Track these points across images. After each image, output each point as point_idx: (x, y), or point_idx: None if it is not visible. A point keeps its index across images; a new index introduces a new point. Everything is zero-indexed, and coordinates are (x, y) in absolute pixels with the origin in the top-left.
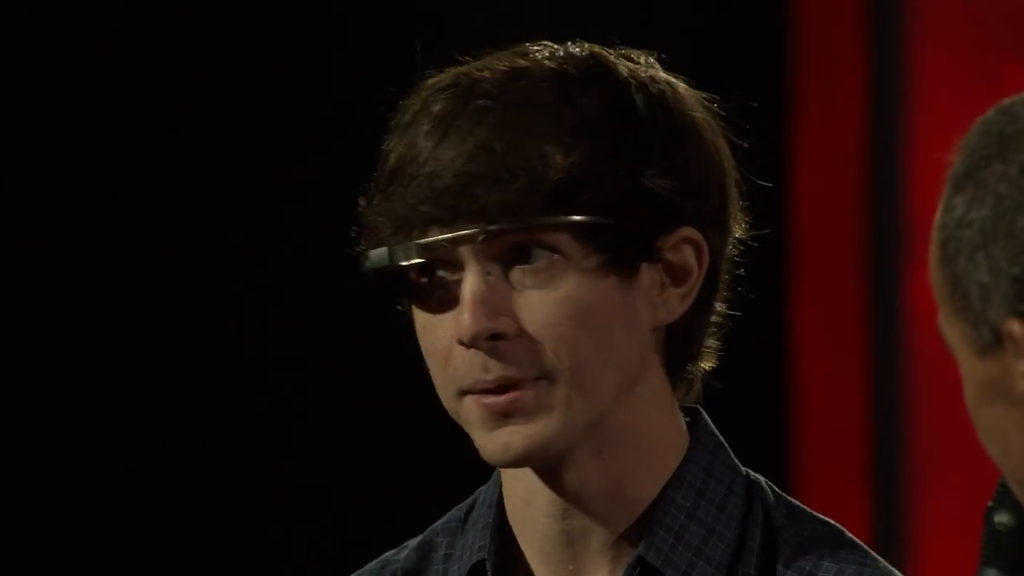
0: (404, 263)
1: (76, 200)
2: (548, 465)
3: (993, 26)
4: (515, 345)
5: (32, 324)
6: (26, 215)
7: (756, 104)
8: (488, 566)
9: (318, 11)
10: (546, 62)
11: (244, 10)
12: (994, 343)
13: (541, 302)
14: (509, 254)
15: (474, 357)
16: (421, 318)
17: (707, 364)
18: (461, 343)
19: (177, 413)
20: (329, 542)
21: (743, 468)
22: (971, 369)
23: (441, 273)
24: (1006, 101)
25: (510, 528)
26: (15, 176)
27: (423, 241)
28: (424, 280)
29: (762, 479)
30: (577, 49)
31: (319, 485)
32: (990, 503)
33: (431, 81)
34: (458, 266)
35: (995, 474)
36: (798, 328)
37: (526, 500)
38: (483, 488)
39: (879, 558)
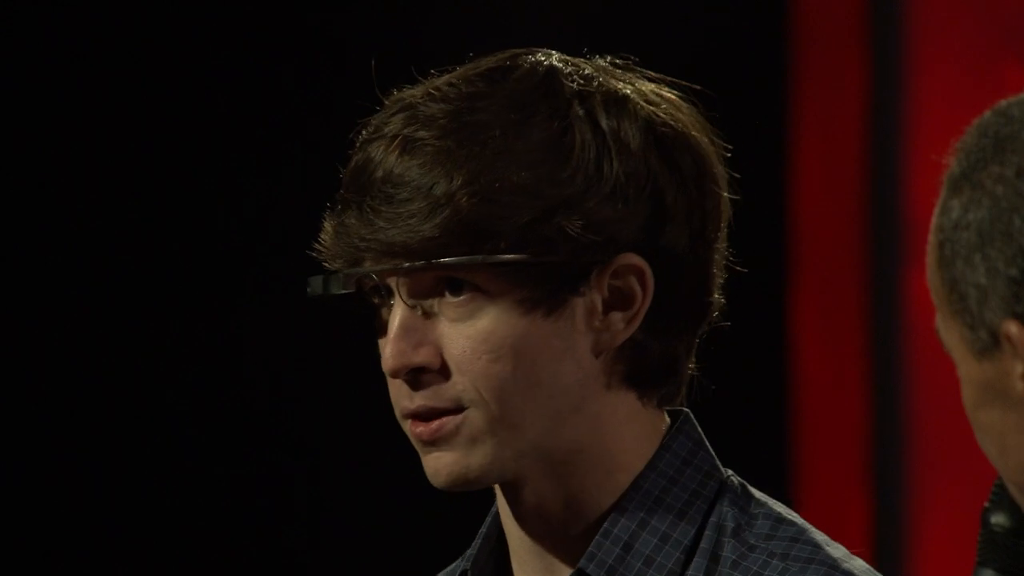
0: (335, 292)
1: (76, 199)
2: (511, 484)
3: (992, 27)
4: (437, 377)
5: (31, 324)
6: (26, 215)
7: (755, 103)
8: (470, 574)
9: (321, 11)
10: (489, 88)
11: (247, 12)
12: (992, 345)
13: (461, 336)
14: (435, 288)
15: (402, 386)
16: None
17: (687, 373)
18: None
19: (175, 413)
20: (329, 543)
21: (724, 471)
22: (969, 371)
23: (383, 301)
24: (1002, 103)
25: (504, 536)
26: (15, 176)
27: (349, 272)
28: (373, 307)
29: (736, 481)
30: (542, 61)
31: (319, 485)
32: (986, 504)
33: (394, 98)
34: (390, 297)
35: (994, 474)
36: (798, 329)
37: (505, 511)
38: None
39: (834, 556)
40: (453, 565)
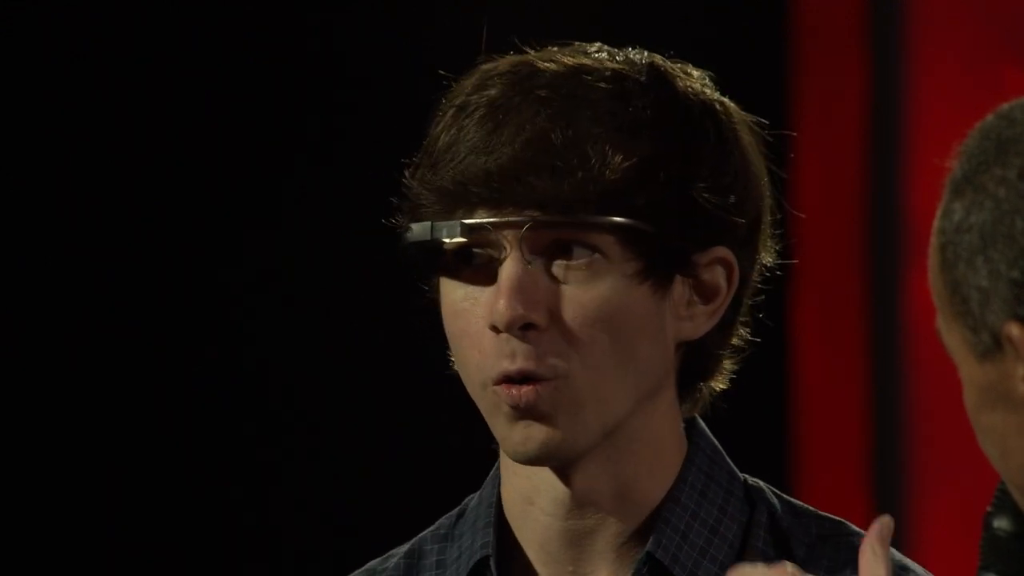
0: (447, 240)
1: (75, 198)
2: (561, 466)
3: (993, 28)
4: (545, 338)
5: (30, 324)
6: (25, 215)
7: (756, 104)
8: (492, 563)
9: (319, 8)
10: (606, 62)
11: (244, 8)
12: (993, 347)
13: (577, 299)
14: (552, 246)
15: (504, 345)
16: (453, 300)
17: (720, 385)
18: (494, 328)
19: (174, 414)
20: (325, 544)
21: (741, 474)
22: (970, 373)
23: (480, 256)
24: (1005, 106)
25: (509, 527)
26: (14, 176)
27: (469, 221)
28: (461, 262)
29: (762, 483)
30: (636, 55)
31: (318, 487)
32: (989, 508)
33: (487, 66)
34: (498, 251)
35: (995, 476)
36: (798, 330)
37: (528, 499)
38: (473, 496)
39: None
40: (393, 565)
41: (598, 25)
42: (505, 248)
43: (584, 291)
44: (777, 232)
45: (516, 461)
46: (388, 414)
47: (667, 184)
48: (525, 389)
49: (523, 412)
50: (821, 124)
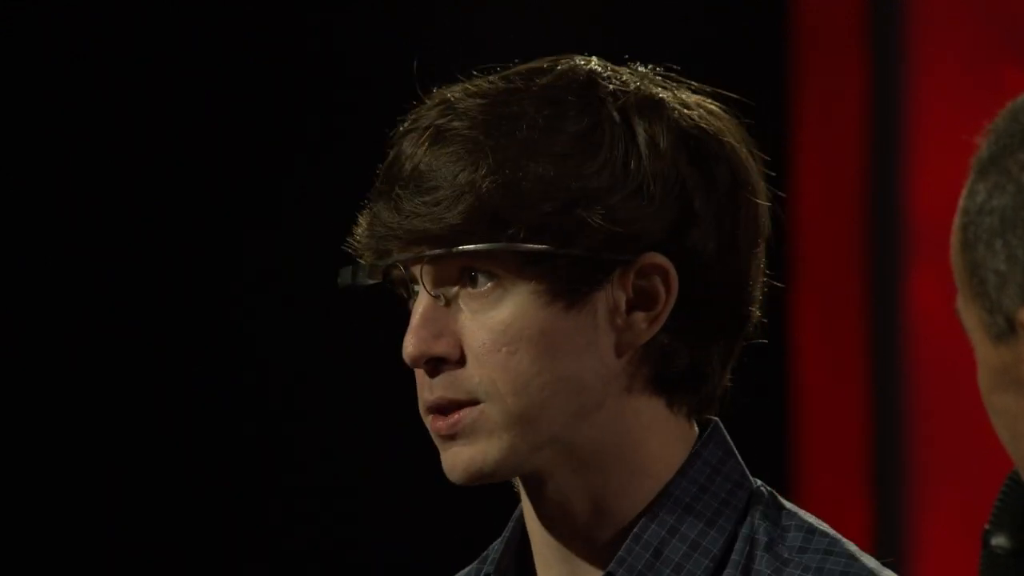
0: (363, 283)
1: (75, 198)
2: (532, 483)
3: (993, 28)
4: (456, 368)
5: (30, 324)
6: (25, 214)
7: (756, 104)
8: (494, 574)
9: (320, 8)
10: (526, 84)
11: (244, 8)
12: (1008, 331)
13: (480, 327)
14: (459, 278)
15: (424, 378)
16: None
17: (722, 384)
18: None
19: (174, 414)
20: (325, 544)
21: (754, 481)
22: (985, 355)
23: (416, 292)
24: None
25: (527, 539)
26: (15, 176)
27: (376, 263)
28: (407, 298)
29: (765, 491)
30: (581, 64)
31: (318, 486)
32: (986, 526)
33: (435, 95)
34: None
35: (995, 476)
36: (798, 331)
37: (530, 512)
38: None
39: (868, 567)
40: (469, 568)
41: (598, 25)
42: (417, 285)
43: (489, 317)
44: (752, 229)
45: (454, 483)
46: (388, 414)
47: (555, 203)
48: (445, 420)
49: (448, 440)
50: (821, 124)
